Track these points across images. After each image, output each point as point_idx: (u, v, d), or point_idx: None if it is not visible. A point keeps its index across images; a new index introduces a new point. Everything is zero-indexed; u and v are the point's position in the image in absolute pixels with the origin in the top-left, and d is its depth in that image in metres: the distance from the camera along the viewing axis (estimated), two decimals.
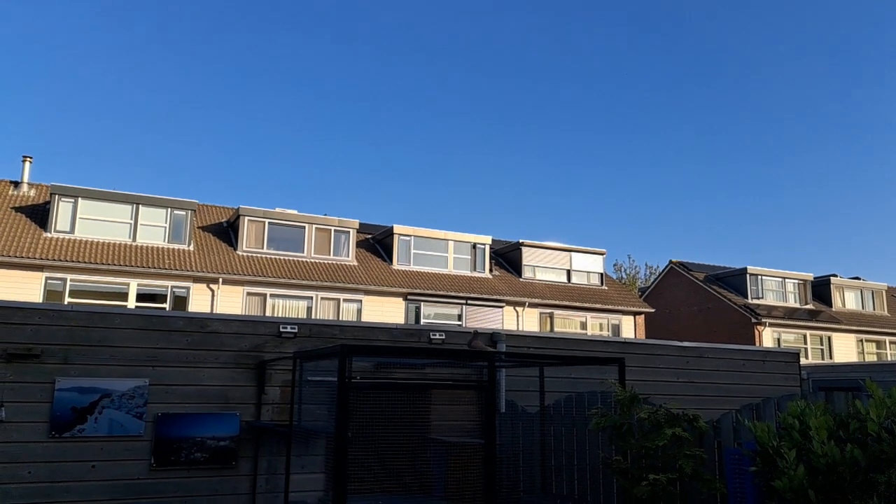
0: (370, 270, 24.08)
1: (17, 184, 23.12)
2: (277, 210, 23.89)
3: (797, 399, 5.07)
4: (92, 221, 20.99)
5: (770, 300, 31.84)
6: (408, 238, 25.43)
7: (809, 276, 33.07)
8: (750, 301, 31.18)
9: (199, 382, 7.03)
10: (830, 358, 30.53)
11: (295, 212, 24.21)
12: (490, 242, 26.83)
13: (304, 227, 23.73)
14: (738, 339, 29.12)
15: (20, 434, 6.27)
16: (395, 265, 24.85)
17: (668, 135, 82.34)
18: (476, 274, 26.02)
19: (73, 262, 19.46)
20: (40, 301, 18.91)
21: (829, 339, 31.22)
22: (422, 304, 23.95)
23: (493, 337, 8.53)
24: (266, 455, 7.17)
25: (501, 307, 25.14)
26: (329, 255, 23.89)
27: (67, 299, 19.36)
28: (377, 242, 26.41)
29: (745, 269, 32.05)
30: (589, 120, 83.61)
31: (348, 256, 24.17)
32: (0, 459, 6.16)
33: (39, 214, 21.33)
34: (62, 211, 20.71)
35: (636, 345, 9.74)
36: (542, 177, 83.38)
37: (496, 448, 5.92)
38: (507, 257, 28.31)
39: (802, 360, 10.86)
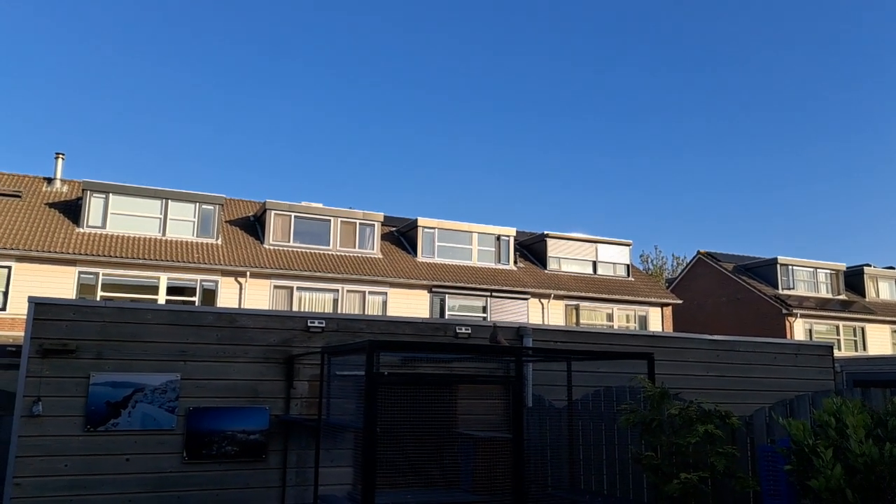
0: (395, 263, 24.14)
1: (50, 180, 23.53)
2: (303, 203, 24.03)
3: (833, 396, 4.98)
4: (123, 216, 21.30)
5: (801, 291, 31.35)
6: (432, 230, 25.45)
7: (842, 265, 32.50)
8: (780, 292, 30.73)
9: (229, 377, 7.11)
10: (864, 350, 30.00)
11: (320, 205, 24.34)
12: (514, 234, 26.73)
13: (329, 221, 23.86)
14: (768, 330, 28.70)
15: (56, 428, 6.40)
16: (420, 258, 24.89)
17: (695, 124, 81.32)
18: (500, 266, 25.97)
19: (104, 256, 19.76)
20: (74, 295, 19.26)
21: (863, 330, 30.67)
22: (446, 296, 23.96)
23: (520, 331, 8.51)
24: (295, 448, 7.24)
25: (526, 299, 25.07)
26: (354, 247, 23.99)
27: (100, 293, 19.68)
28: (402, 235, 26.47)
29: (776, 258, 31.57)
30: (614, 110, 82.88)
31: (373, 249, 24.25)
32: (37, 453, 6.29)
33: (72, 210, 21.69)
34: (94, 206, 21.04)
35: (665, 338, 9.65)
36: (567, 168, 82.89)
37: (524, 443, 5.90)
38: (532, 249, 28.19)
39: (835, 353, 10.67)
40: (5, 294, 18.99)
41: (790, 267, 31.59)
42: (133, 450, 6.62)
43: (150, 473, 6.64)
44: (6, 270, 19.09)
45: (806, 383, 9.62)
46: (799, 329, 29.21)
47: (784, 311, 29.22)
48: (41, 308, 6.55)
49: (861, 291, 32.87)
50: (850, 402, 4.64)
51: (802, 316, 29.45)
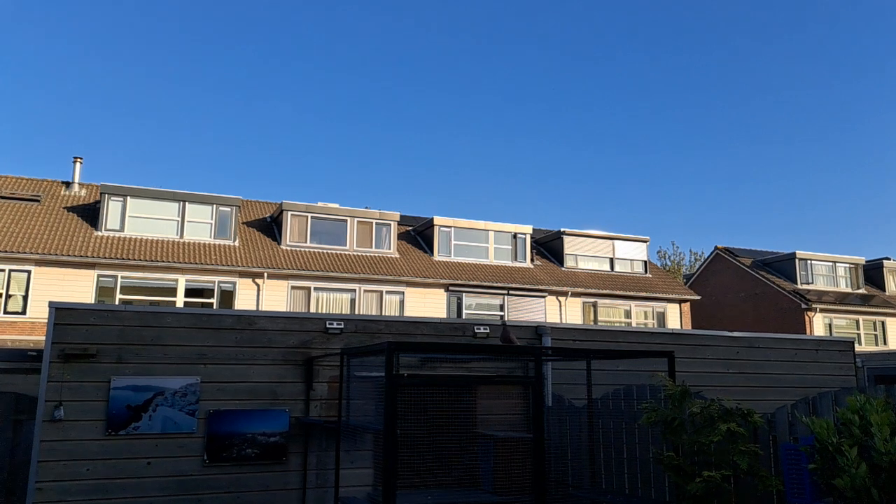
0: (411, 262, 24.16)
1: (68, 184, 23.78)
2: (319, 204, 24.11)
3: (856, 393, 4.91)
4: (140, 219, 21.48)
5: (820, 285, 31.03)
6: (448, 229, 25.43)
7: (861, 259, 32.13)
8: (799, 286, 30.43)
9: (248, 379, 7.13)
10: (885, 344, 29.65)
11: (337, 205, 24.40)
12: (531, 232, 26.65)
13: (345, 221, 23.92)
14: (787, 325, 28.45)
15: (78, 432, 6.45)
16: (436, 256, 24.88)
17: (710, 119, 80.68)
18: (517, 264, 25.90)
19: (123, 259, 19.94)
20: (93, 298, 19.44)
21: (883, 324, 30.31)
22: (463, 294, 23.93)
23: (539, 330, 8.48)
24: (315, 450, 7.25)
25: (544, 297, 24.99)
26: (371, 247, 24.03)
27: (119, 296, 19.85)
28: (418, 234, 26.47)
29: (794, 253, 31.27)
30: (628, 105, 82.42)
31: (390, 249, 24.28)
32: (59, 457, 6.34)
33: (90, 213, 21.90)
34: (112, 210, 21.23)
35: (685, 335, 9.57)
36: (583, 164, 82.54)
37: (544, 442, 5.87)
38: (549, 246, 28.10)
39: (856, 347, 10.54)
40: (25, 298, 19.21)
41: (809, 261, 31.27)
42: (154, 453, 6.66)
43: (170, 477, 6.67)
44: (26, 274, 19.32)
45: (827, 379, 9.51)
46: (818, 324, 28.92)
47: (803, 306, 28.94)
48: (62, 313, 6.61)
49: (881, 285, 32.48)
50: (873, 400, 4.58)
51: (822, 310, 29.15)
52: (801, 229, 74.31)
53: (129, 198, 21.44)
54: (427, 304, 23.25)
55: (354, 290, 22.55)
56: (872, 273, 32.85)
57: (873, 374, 13.90)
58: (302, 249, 23.02)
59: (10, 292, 19.16)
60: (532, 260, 26.54)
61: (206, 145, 78.30)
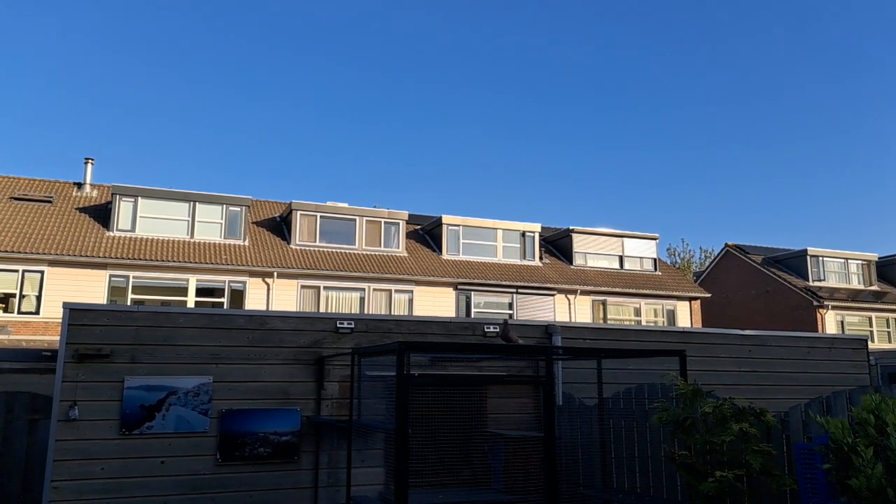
0: (420, 261, 24.17)
1: (80, 185, 23.92)
2: (329, 204, 24.15)
3: (871, 392, 4.88)
4: (151, 219, 21.58)
5: (832, 282, 30.82)
6: (456, 228, 25.41)
7: (874, 256, 31.90)
8: (811, 283, 30.24)
9: (260, 379, 7.17)
10: None
11: (346, 205, 24.44)
12: (539, 230, 26.60)
13: (354, 220, 23.95)
14: (799, 323, 28.28)
15: (92, 432, 6.50)
16: (445, 255, 24.88)
17: (720, 115, 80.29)
18: (526, 262, 25.87)
19: (134, 259, 20.04)
20: (105, 298, 19.56)
21: None
22: (472, 293, 23.92)
23: (549, 329, 8.47)
24: (327, 449, 7.28)
25: (553, 295, 24.94)
26: (380, 246, 24.06)
27: (130, 296, 19.96)
28: (426, 233, 26.47)
29: (805, 250, 31.06)
30: (636, 102, 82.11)
31: (398, 248, 24.30)
32: (74, 457, 6.40)
33: (102, 214, 22.02)
34: (123, 210, 21.34)
35: (696, 334, 9.54)
36: (592, 162, 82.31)
37: (555, 442, 5.87)
38: (558, 244, 28.04)
39: (869, 345, 10.47)
40: (38, 298, 19.34)
41: (820, 258, 31.06)
42: (167, 452, 6.70)
43: (184, 476, 6.72)
44: (39, 275, 19.44)
45: (840, 378, 9.46)
46: (830, 321, 28.73)
47: (815, 304, 28.76)
48: (76, 314, 6.66)
49: (893, 282, 32.23)
50: (889, 400, 4.55)
51: (834, 308, 28.96)
52: (813, 226, 73.90)
53: (139, 198, 21.56)
54: (436, 302, 23.26)
55: (364, 290, 22.59)
56: (885, 270, 32.60)
57: (887, 373, 13.80)
58: (311, 249, 23.08)
59: (24, 292, 19.29)
60: (541, 258, 26.49)
61: (215, 145, 78.62)
